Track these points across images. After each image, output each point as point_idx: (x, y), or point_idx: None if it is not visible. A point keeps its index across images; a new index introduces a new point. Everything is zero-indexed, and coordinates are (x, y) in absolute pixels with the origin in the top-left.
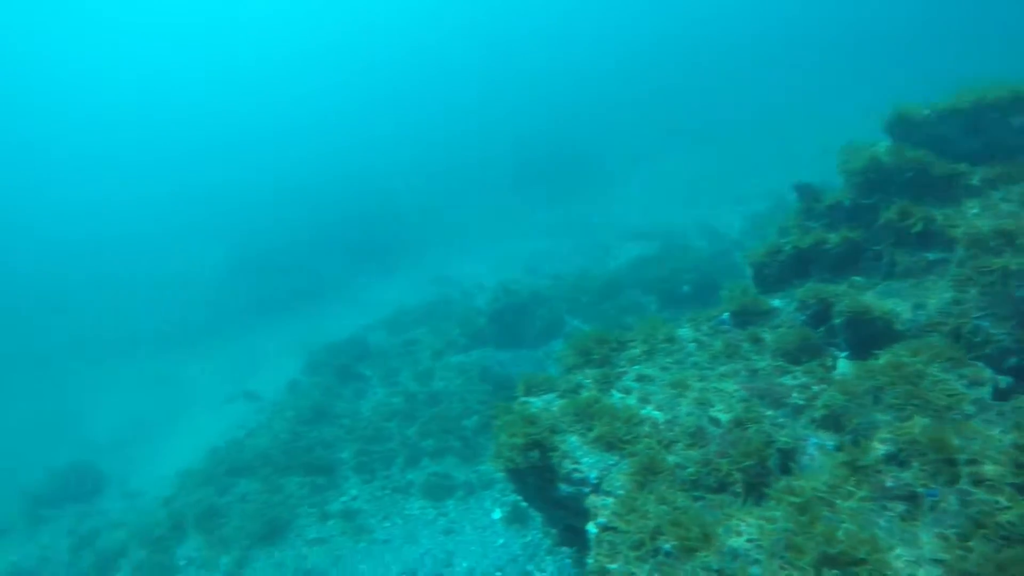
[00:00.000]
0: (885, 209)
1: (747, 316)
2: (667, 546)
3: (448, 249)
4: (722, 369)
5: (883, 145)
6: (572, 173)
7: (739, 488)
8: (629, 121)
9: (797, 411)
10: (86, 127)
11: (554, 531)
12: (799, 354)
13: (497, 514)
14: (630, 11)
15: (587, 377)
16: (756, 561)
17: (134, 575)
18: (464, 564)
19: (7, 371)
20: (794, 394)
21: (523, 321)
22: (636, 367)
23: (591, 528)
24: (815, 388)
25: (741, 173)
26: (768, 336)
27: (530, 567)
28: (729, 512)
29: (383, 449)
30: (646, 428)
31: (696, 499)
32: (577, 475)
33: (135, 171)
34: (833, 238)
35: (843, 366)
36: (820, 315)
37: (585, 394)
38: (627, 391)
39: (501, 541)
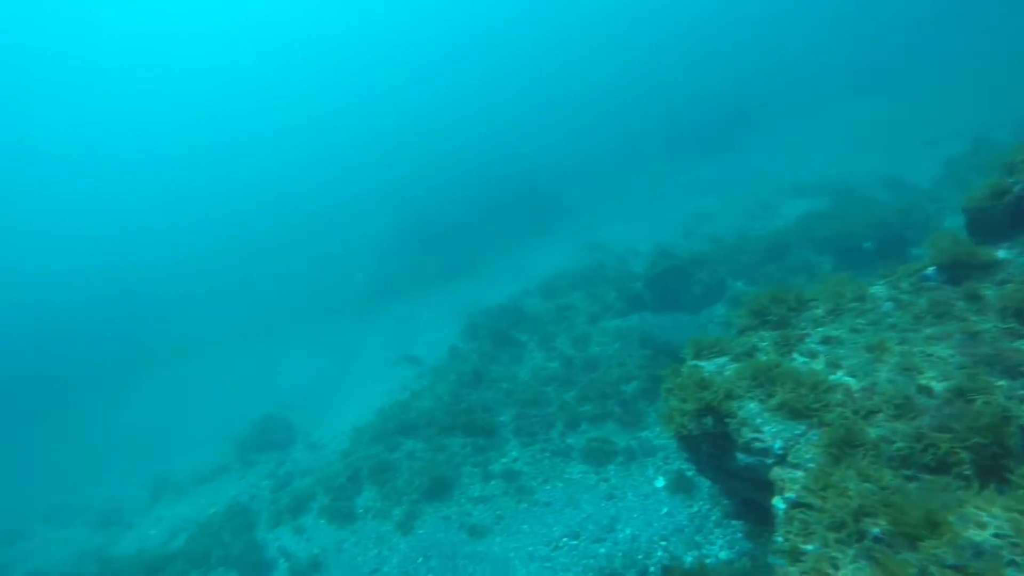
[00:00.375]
0: None
1: (961, 270)
2: (876, 530)
3: (601, 214)
4: (930, 331)
5: None
6: (728, 130)
7: (968, 470)
8: (788, 71)
9: None
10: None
11: (727, 503)
12: None
13: (660, 482)
14: None
15: (763, 339)
16: (1012, 563)
17: (321, 517)
18: (627, 531)
19: (215, 346)
20: None
21: (682, 285)
22: (820, 329)
23: (778, 503)
24: None
25: (926, 117)
26: (991, 293)
27: (698, 539)
28: (962, 498)
29: (542, 413)
30: (838, 396)
31: (908, 479)
32: (758, 444)
33: (314, 155)
34: None
35: None
36: None
37: (763, 357)
38: (811, 355)
39: (665, 510)
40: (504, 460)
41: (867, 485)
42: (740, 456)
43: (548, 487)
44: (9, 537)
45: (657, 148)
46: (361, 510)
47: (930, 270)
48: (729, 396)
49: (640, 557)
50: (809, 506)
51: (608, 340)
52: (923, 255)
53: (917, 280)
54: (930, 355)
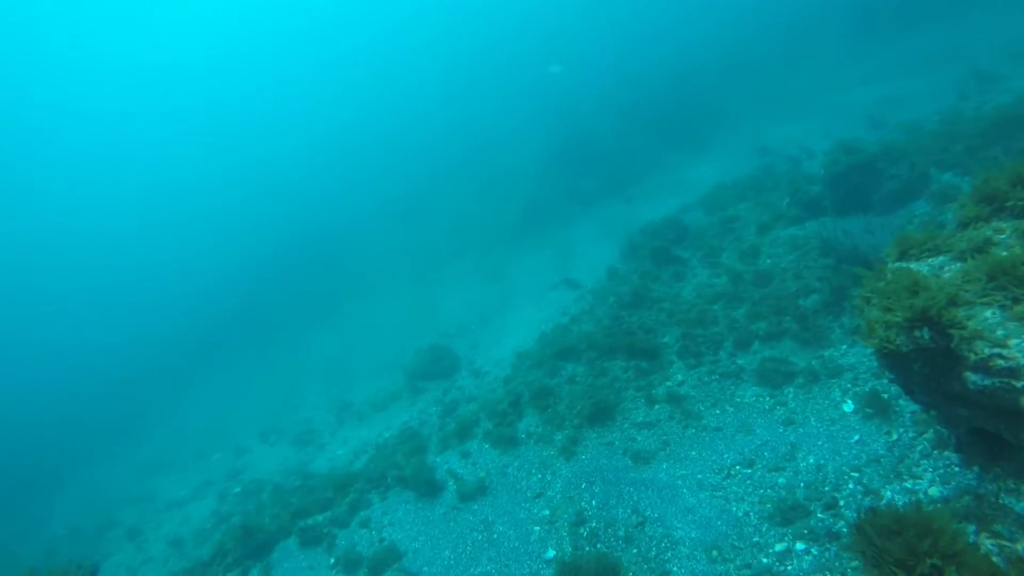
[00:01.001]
0: None
1: None
2: None
3: (768, 117)
4: None
5: None
6: None
7: None
8: None
9: None
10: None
11: (940, 431)
12: None
13: (849, 406)
14: None
15: (1000, 232)
16: None
17: (485, 441)
18: (811, 459)
19: (388, 282)
20: None
21: (871, 183)
22: None
23: None
24: None
25: None
26: None
27: (900, 469)
28: None
29: (708, 333)
30: None
31: None
32: (1000, 363)
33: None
34: None
35: None
36: None
37: (1002, 252)
38: None
39: (856, 437)
40: (668, 384)
41: None
42: (972, 377)
43: (717, 411)
44: (238, 451)
45: (836, 29)
46: (523, 435)
47: None
48: (953, 302)
49: (827, 489)
50: None
51: (782, 251)
52: None
53: None
54: None
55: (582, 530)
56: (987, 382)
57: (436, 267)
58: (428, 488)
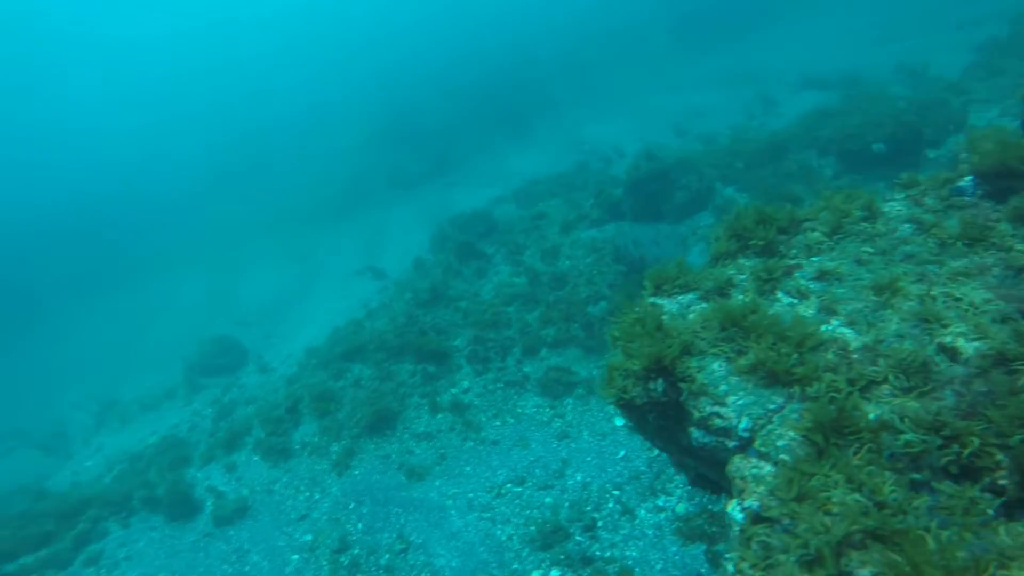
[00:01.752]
0: None
1: (1009, 180)
2: (866, 574)
3: (592, 111)
4: (959, 264)
5: None
6: (740, 14)
7: (1005, 480)
8: None
9: None
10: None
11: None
12: None
13: (619, 421)
14: None
15: (742, 270)
16: None
17: (255, 452)
18: (578, 476)
19: (189, 257)
20: None
21: (665, 191)
22: (816, 259)
23: (734, 512)
24: None
25: None
26: None
27: (656, 486)
28: (1001, 546)
29: (500, 337)
30: (830, 356)
31: (917, 487)
32: (719, 422)
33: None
34: None
35: None
36: None
37: (739, 298)
38: (802, 294)
39: (623, 453)
40: (454, 390)
41: (857, 497)
42: (695, 433)
43: (498, 423)
44: None
45: (660, 37)
46: (298, 446)
47: (966, 180)
48: (687, 351)
49: (589, 509)
50: (774, 522)
51: (581, 253)
52: (944, 158)
53: (947, 194)
54: (958, 299)
55: (343, 558)
56: (707, 440)
57: (243, 244)
58: (183, 509)
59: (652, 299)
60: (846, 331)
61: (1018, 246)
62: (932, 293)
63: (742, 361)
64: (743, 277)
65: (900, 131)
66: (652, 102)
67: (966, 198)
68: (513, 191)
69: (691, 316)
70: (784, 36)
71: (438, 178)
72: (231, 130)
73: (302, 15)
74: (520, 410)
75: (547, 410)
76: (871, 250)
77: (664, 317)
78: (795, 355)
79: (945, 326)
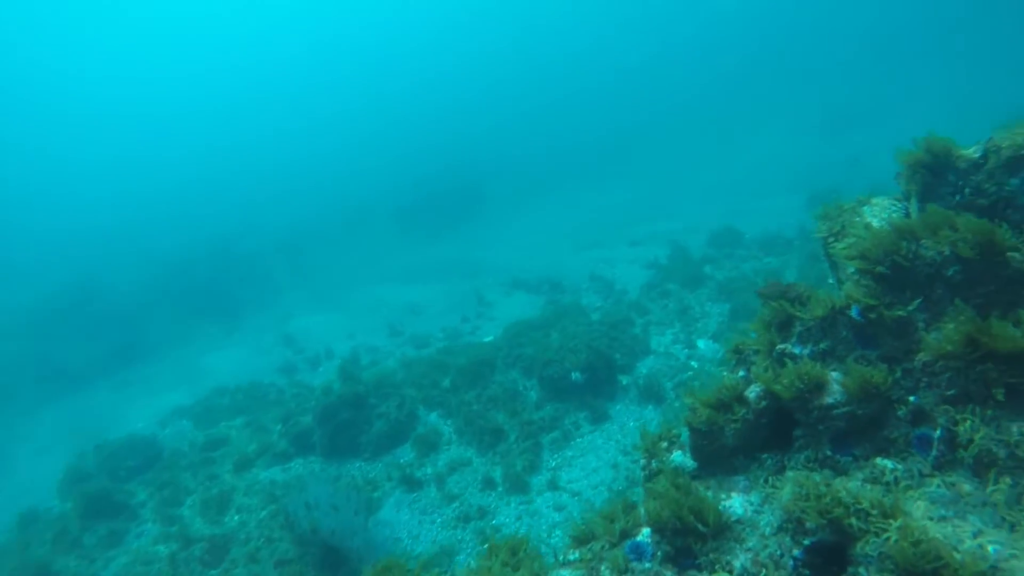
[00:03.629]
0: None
1: (687, 539)
2: None
3: (310, 296)
4: None
5: (912, 206)
6: (461, 205)
7: None
8: (527, 149)
9: None
10: None
11: None
12: None
13: None
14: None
15: None
16: None
17: None
18: None
19: None
20: None
21: (362, 419)
22: None
23: None
24: None
25: (650, 210)
26: None
27: None
28: None
29: None
30: None
31: None
32: None
33: None
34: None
35: None
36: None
37: None
38: None
39: None
40: None
41: None
42: None
43: None
44: None
45: (386, 220)
46: None
47: (642, 536)
48: None
49: None
50: None
51: (256, 503)
52: (635, 386)
53: (623, 559)
54: None
55: None
56: None
57: None
58: None
59: None
60: None
61: None
62: None
63: None
64: None
65: (594, 358)
66: (372, 293)
67: (645, 563)
68: (197, 401)
69: None
70: (501, 232)
71: (113, 374)
72: None
73: None
74: None
75: None
76: None
77: None
78: None
79: None
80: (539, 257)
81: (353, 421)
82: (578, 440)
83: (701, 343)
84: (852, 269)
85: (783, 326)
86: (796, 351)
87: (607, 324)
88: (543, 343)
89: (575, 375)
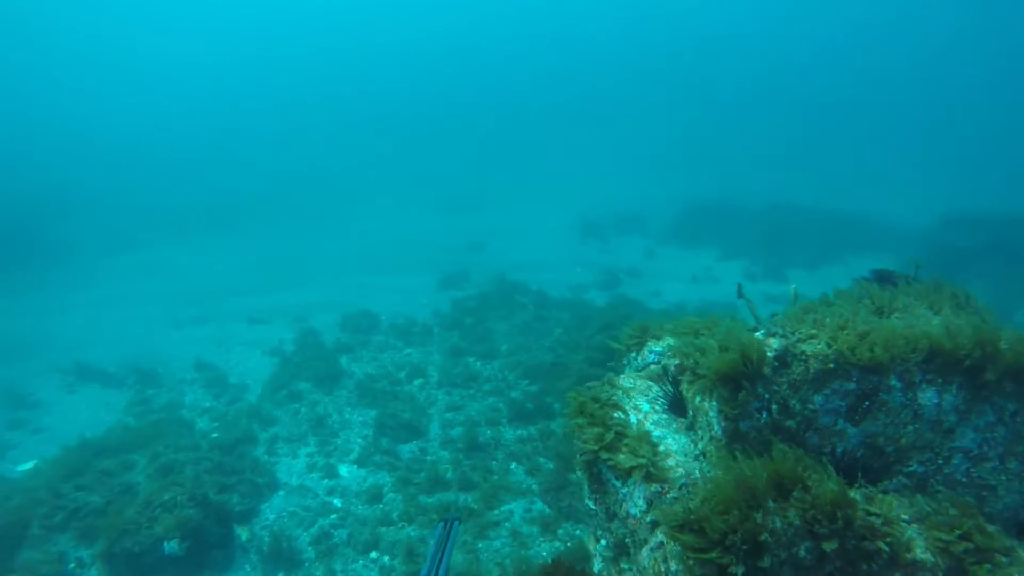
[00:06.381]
0: None
1: None
2: None
3: None
4: None
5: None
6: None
7: None
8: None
9: None
10: None
11: None
12: None
13: None
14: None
15: None
16: None
17: None
18: None
19: None
20: None
21: None
22: None
23: None
24: None
25: (269, 278)
26: None
27: None
28: None
29: None
30: None
31: None
32: None
33: None
34: None
35: None
36: None
37: None
38: None
39: None
40: None
41: None
42: None
43: None
44: None
45: None
46: None
47: None
48: None
49: None
50: None
51: None
52: (258, 540)
53: None
54: None
55: None
56: None
57: None
58: None
59: None
60: None
61: None
62: None
63: None
64: None
65: (200, 516)
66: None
67: None
68: None
69: None
70: (76, 290)
71: None
72: None
73: None
74: None
75: None
76: None
77: None
78: None
79: None
80: (123, 332)
81: None
82: None
83: (344, 469)
84: (663, 539)
85: None
86: None
87: (221, 447)
88: (121, 487)
89: (169, 545)
